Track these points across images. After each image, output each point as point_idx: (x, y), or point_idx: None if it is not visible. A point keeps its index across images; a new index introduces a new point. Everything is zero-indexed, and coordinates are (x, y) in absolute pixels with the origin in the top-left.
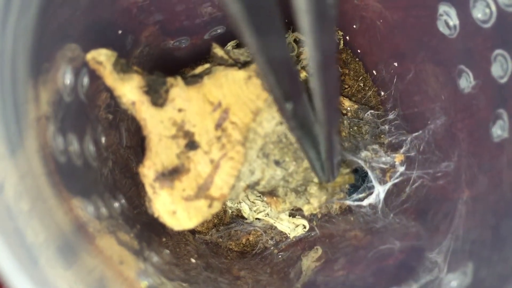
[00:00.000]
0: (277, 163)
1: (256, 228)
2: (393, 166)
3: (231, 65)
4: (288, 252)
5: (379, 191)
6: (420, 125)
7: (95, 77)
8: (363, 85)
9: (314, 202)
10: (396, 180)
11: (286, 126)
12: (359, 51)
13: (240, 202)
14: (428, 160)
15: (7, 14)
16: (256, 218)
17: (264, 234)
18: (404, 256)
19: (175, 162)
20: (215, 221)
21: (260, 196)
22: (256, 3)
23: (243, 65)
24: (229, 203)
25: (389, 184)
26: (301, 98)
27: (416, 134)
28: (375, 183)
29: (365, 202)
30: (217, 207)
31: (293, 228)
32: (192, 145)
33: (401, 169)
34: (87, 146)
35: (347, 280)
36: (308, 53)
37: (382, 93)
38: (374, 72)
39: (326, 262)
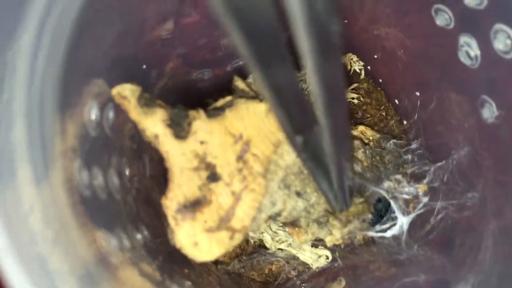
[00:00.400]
0: (298, 194)
1: (279, 258)
2: (416, 196)
3: (253, 97)
4: (311, 283)
5: (403, 222)
6: (444, 155)
7: (119, 110)
8: (385, 114)
9: (336, 234)
10: (420, 211)
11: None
12: (380, 80)
13: (262, 232)
14: (452, 191)
15: (38, 49)
16: (279, 248)
17: (286, 265)
18: None
19: (197, 194)
20: (238, 251)
21: (282, 226)
22: (261, 36)
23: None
24: (251, 233)
25: (412, 215)
26: (312, 131)
27: (440, 164)
28: (398, 214)
29: (388, 233)
30: (238, 238)
31: (316, 258)
32: (213, 177)
33: (425, 199)
34: (111, 179)
35: None
36: (313, 90)
37: (405, 122)
38: (396, 101)
39: None
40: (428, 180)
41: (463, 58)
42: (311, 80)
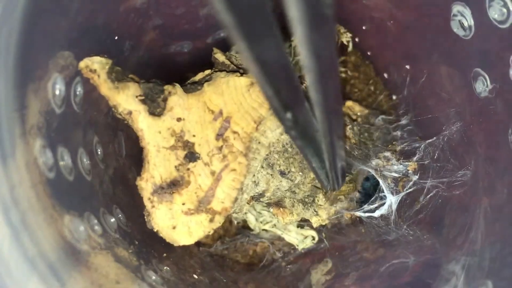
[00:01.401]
0: (282, 173)
1: (263, 239)
2: (406, 175)
3: (233, 71)
4: (297, 264)
5: (392, 202)
6: (435, 131)
7: (90, 86)
8: (374, 88)
9: (322, 214)
10: (409, 190)
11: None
12: (369, 53)
13: (245, 213)
14: (443, 169)
15: None
16: (263, 229)
17: (271, 246)
18: (418, 271)
19: (174, 175)
20: (221, 232)
21: (266, 206)
22: (247, 4)
23: (246, 71)
24: (234, 214)
25: (401, 194)
26: (302, 106)
27: (430, 140)
28: (387, 193)
29: (376, 213)
30: (219, 221)
31: (302, 239)
32: (192, 156)
33: (415, 178)
34: (80, 160)
35: None
36: (304, 62)
37: (394, 97)
38: (385, 75)
39: (336, 276)
40: (418, 157)
41: (456, 29)
42: (302, 51)
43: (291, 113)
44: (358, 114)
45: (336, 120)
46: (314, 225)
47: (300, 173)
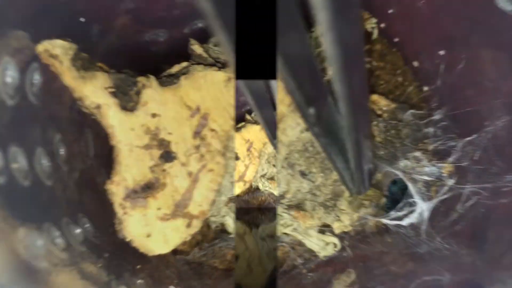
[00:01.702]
0: (303, 174)
1: (284, 243)
2: (439, 178)
3: (211, 65)
4: (318, 273)
5: (423, 209)
6: (475, 127)
7: (51, 74)
8: (402, 79)
9: (345, 220)
10: (444, 196)
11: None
12: (396, 40)
13: (224, 216)
14: (486, 172)
15: None
16: (284, 233)
17: (292, 251)
18: None
19: (148, 176)
20: (198, 238)
21: (287, 209)
22: None
23: (224, 65)
24: (212, 217)
25: (435, 201)
26: (325, 101)
27: (470, 138)
28: (417, 198)
29: (405, 221)
30: (196, 226)
31: (323, 246)
32: (168, 156)
33: (450, 182)
34: (38, 161)
35: None
36: (328, 52)
37: (426, 89)
38: (415, 63)
39: None
40: (455, 158)
41: (502, 3)
42: (325, 40)
43: (314, 109)
44: (384, 109)
45: (362, 116)
46: (336, 231)
47: (321, 174)
